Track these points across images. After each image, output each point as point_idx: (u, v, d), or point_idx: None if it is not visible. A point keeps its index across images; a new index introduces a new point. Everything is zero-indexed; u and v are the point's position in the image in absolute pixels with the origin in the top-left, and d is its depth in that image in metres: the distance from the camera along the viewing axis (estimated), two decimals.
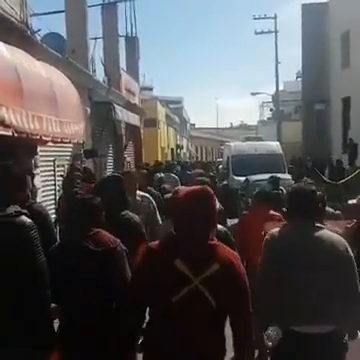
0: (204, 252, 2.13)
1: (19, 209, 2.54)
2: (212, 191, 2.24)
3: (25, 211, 2.56)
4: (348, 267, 2.63)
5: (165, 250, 2.17)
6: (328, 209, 3.59)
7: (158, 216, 4.77)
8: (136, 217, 3.66)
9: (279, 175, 8.31)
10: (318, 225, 2.73)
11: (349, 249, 2.67)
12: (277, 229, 2.79)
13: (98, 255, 2.65)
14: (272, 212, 4.54)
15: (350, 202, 3.72)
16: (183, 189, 2.25)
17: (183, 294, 2.06)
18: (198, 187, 2.26)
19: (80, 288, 2.61)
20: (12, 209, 2.51)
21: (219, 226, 3.29)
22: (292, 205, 2.80)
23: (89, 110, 10.26)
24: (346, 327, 2.65)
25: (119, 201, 3.48)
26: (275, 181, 7.03)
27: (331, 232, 2.75)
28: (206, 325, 2.10)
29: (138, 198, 4.58)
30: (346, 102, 20.64)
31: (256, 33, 27.42)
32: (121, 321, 2.28)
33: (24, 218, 2.51)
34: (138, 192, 4.68)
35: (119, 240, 2.78)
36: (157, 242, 2.27)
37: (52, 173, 8.17)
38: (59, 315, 2.73)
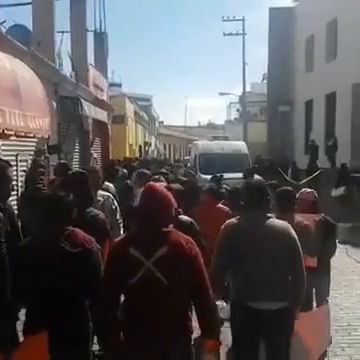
0: (154, 238, 2.40)
1: None
2: (162, 188, 2.58)
3: None
4: (295, 248, 3.04)
5: (123, 242, 2.52)
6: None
7: (118, 216, 4.56)
8: (101, 214, 3.66)
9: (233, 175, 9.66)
10: (268, 215, 3.14)
11: (293, 233, 3.08)
12: (234, 219, 3.21)
13: (75, 256, 2.62)
14: (220, 205, 5.06)
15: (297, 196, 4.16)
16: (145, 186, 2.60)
17: (139, 276, 2.33)
18: (151, 184, 2.62)
19: (54, 289, 2.57)
20: None
21: (185, 217, 3.87)
22: (247, 198, 3.21)
23: (55, 105, 10.16)
24: (294, 302, 3.08)
25: (85, 198, 3.43)
26: (218, 180, 7.90)
27: (278, 220, 3.17)
28: (163, 302, 2.35)
29: (100, 197, 4.36)
30: (309, 105, 21.27)
31: (225, 34, 27.85)
32: (96, 310, 2.55)
33: None
34: (100, 192, 4.45)
35: (94, 239, 2.77)
36: (119, 237, 2.66)
37: (14, 168, 8.08)
38: (29, 315, 2.71)
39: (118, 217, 4.53)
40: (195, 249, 2.44)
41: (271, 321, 2.95)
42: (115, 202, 4.53)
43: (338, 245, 4.59)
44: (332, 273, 4.48)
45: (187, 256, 2.38)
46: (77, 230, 2.76)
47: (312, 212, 4.14)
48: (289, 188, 3.99)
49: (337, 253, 4.50)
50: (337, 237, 4.62)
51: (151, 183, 2.67)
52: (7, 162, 3.26)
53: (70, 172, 4.41)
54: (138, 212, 2.54)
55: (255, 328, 2.97)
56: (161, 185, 2.72)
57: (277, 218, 3.20)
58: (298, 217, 3.81)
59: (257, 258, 2.94)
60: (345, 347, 4.58)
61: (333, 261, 4.47)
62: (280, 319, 2.97)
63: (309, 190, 4.51)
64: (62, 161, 9.97)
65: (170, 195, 2.52)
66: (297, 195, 4.12)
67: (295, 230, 3.12)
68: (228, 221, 3.20)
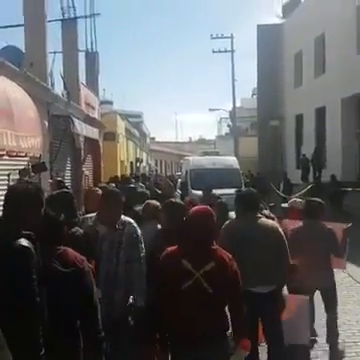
0: (204, 254, 2.87)
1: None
2: (209, 211, 3.01)
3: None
4: (281, 244, 3.81)
5: (176, 254, 2.92)
6: (264, 212, 4.72)
7: (140, 248, 3.72)
8: (79, 231, 3.53)
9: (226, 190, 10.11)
10: (259, 216, 3.97)
11: (280, 230, 3.89)
12: (232, 220, 4.16)
13: (67, 276, 2.60)
14: None
15: (283, 205, 4.82)
16: (192, 209, 3.09)
17: (189, 284, 2.78)
18: (201, 207, 3.12)
19: (44, 308, 2.50)
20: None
21: None
22: (241, 204, 4.06)
23: (47, 123, 10.20)
24: (279, 286, 3.85)
25: (69, 218, 3.31)
26: (208, 193, 8.66)
27: (267, 220, 4.03)
28: (207, 307, 2.79)
29: (119, 225, 3.66)
30: (299, 119, 21.54)
31: (214, 52, 28.23)
32: (150, 319, 2.98)
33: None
34: (124, 218, 3.75)
35: (85, 258, 2.77)
36: (171, 248, 2.99)
37: (6, 187, 8.04)
38: None
39: (140, 249, 3.69)
40: (234, 265, 2.92)
41: (266, 302, 3.70)
42: (138, 230, 3.76)
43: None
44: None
45: (229, 271, 2.87)
46: (69, 249, 2.75)
47: (300, 219, 4.85)
48: (317, 200, 4.80)
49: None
50: None
51: (199, 207, 3.16)
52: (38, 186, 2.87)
53: (54, 192, 4.30)
54: (188, 230, 2.96)
55: (254, 309, 3.53)
56: (206, 208, 3.08)
57: (307, 224, 4.44)
58: (322, 223, 4.64)
59: (250, 251, 3.60)
60: None
61: None
62: (272, 300, 3.73)
63: (298, 200, 5.44)
64: (58, 178, 9.98)
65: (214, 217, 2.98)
66: (287, 205, 5.09)
67: (322, 234, 4.36)
68: (227, 222, 4.10)
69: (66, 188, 9.15)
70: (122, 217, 3.69)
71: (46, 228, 2.71)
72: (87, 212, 4.37)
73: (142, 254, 3.66)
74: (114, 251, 3.59)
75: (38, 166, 8.45)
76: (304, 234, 4.47)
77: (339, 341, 4.90)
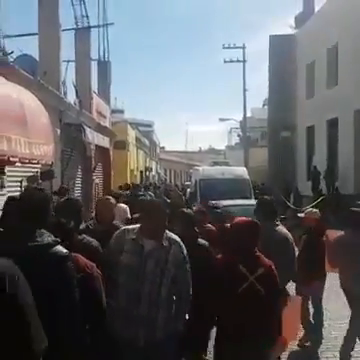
0: (255, 260, 3.30)
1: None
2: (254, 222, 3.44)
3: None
4: (290, 249, 4.28)
5: (233, 260, 3.29)
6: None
7: (187, 268, 3.36)
8: (94, 241, 3.47)
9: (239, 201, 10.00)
10: (276, 223, 4.38)
11: (290, 237, 4.34)
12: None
13: (77, 282, 2.54)
14: (208, 225, 5.75)
15: (299, 215, 5.49)
16: (238, 220, 3.44)
17: (244, 286, 3.17)
18: (248, 219, 3.43)
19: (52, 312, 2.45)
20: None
21: (202, 241, 4.29)
22: (259, 212, 4.39)
23: (59, 131, 10.25)
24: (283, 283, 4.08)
25: (77, 225, 3.25)
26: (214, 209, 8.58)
27: (282, 227, 4.41)
28: (259, 308, 3.17)
29: (165, 241, 3.30)
30: (310, 130, 21.39)
31: (225, 62, 28.33)
32: (206, 320, 3.42)
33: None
34: (169, 234, 3.39)
35: (94, 264, 2.77)
36: (224, 255, 3.43)
37: (19, 194, 8.06)
38: None
39: (187, 270, 3.36)
40: (275, 270, 3.32)
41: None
42: (185, 250, 3.38)
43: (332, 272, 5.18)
44: (327, 303, 5.04)
45: (274, 275, 3.31)
46: (78, 255, 2.77)
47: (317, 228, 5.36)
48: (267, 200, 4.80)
49: (334, 281, 5.06)
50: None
51: (245, 218, 3.45)
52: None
53: (63, 199, 4.29)
54: (237, 239, 3.33)
55: None
56: (251, 219, 3.47)
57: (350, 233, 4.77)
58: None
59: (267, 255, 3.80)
60: None
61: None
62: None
63: (314, 210, 5.75)
64: (64, 185, 10.00)
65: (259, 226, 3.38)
66: (303, 214, 5.34)
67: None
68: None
69: (68, 193, 9.28)
70: (167, 233, 3.36)
71: (56, 234, 2.72)
72: (98, 222, 4.32)
73: (188, 276, 3.36)
74: (158, 270, 3.22)
75: (46, 173, 8.50)
76: (351, 242, 4.72)
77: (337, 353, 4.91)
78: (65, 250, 2.31)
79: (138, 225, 3.39)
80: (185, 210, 4.36)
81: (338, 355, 4.80)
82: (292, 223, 7.53)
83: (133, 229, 3.37)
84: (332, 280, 5.33)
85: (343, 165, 17.00)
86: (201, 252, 3.98)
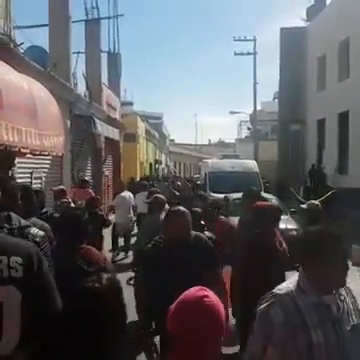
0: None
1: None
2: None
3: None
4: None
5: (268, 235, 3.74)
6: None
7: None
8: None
9: None
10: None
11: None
12: None
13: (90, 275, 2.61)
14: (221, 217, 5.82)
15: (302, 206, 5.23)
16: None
17: (274, 258, 3.59)
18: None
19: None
20: None
21: (207, 233, 4.32)
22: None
23: (69, 123, 10.29)
24: None
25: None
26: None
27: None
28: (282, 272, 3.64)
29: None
30: (321, 124, 21.20)
31: (236, 54, 28.04)
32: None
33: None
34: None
35: (106, 257, 2.80)
36: (251, 240, 3.73)
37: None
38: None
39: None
40: None
41: None
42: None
43: (352, 268, 4.71)
44: None
45: None
46: (91, 248, 2.76)
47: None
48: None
49: (351, 277, 4.61)
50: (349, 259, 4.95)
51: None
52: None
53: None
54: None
55: None
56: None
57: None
58: None
59: None
60: None
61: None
62: None
63: (315, 202, 5.44)
64: (80, 175, 10.06)
65: None
66: (305, 206, 5.09)
67: None
68: None
69: (86, 181, 9.54)
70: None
71: (69, 225, 2.73)
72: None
73: None
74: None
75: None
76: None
77: None
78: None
79: None
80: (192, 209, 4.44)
81: None
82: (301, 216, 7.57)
83: None
84: None
85: (353, 158, 16.85)
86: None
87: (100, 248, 6.09)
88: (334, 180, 17.60)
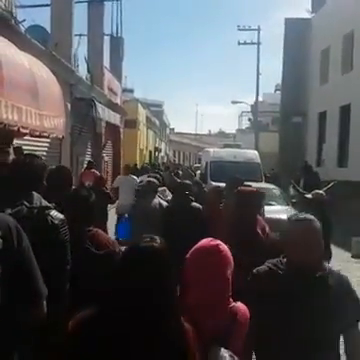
0: None
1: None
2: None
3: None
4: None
5: None
6: None
7: None
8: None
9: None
10: None
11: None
12: None
13: (99, 258, 2.55)
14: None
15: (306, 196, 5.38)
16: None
17: None
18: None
19: (75, 290, 2.39)
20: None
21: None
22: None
23: (69, 106, 10.15)
24: None
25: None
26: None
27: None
28: None
29: None
30: (322, 116, 21.10)
31: (239, 43, 27.81)
32: None
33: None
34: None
35: (115, 241, 2.75)
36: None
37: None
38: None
39: None
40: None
41: None
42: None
43: (352, 260, 4.55)
44: None
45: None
46: (100, 231, 2.70)
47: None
48: None
49: (352, 269, 4.44)
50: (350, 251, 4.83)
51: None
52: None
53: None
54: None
55: None
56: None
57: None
58: None
59: None
60: None
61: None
62: None
63: (320, 191, 5.62)
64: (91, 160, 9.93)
65: None
66: (310, 196, 5.20)
67: None
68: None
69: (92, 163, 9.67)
70: None
71: (77, 208, 2.66)
72: None
73: None
74: None
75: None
76: None
77: None
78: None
79: None
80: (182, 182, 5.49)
81: None
82: (302, 207, 7.54)
83: None
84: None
85: (353, 151, 16.79)
86: (193, 211, 4.82)
87: (105, 229, 6.26)
88: (333, 173, 17.54)
